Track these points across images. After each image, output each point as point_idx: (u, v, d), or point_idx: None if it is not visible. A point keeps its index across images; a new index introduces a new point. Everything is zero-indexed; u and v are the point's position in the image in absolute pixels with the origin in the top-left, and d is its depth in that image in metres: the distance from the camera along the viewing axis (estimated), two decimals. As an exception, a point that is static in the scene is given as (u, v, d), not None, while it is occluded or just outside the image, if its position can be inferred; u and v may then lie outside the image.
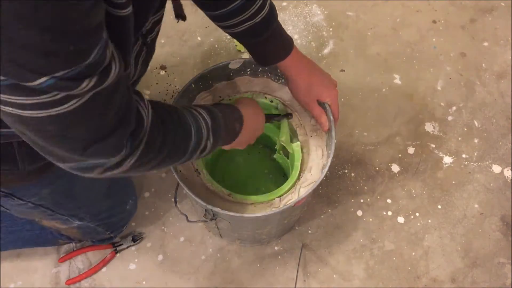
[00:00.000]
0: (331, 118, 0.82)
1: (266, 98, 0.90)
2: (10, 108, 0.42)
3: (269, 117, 0.87)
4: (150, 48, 0.68)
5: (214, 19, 0.77)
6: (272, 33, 0.77)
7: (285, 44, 0.80)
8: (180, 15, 0.73)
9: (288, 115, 0.90)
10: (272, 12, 0.76)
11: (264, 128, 0.84)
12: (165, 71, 1.32)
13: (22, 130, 0.46)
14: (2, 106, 0.42)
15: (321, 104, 0.83)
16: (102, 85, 0.44)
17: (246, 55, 1.34)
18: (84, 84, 0.42)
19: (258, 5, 0.73)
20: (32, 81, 0.38)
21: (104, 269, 1.07)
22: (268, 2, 0.76)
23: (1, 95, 0.40)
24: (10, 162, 0.67)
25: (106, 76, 0.44)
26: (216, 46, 1.36)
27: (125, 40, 0.50)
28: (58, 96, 0.42)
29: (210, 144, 0.67)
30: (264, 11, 0.74)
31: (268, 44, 0.78)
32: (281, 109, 0.91)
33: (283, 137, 0.88)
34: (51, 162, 0.53)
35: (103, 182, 0.93)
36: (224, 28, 0.77)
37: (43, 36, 0.36)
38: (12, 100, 0.41)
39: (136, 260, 1.08)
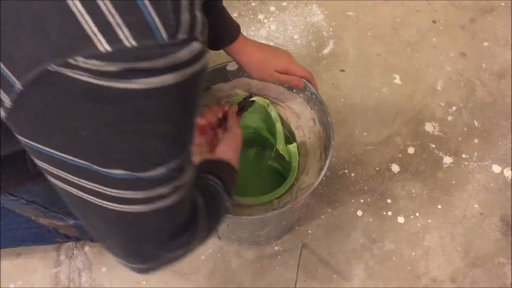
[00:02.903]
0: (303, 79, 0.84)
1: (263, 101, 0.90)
2: (109, 203, 0.41)
3: (241, 110, 0.88)
4: None
5: None
6: (220, 14, 0.76)
7: (233, 27, 0.79)
8: None
9: (249, 97, 0.89)
10: None
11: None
12: (165, 72, 1.31)
13: (97, 221, 0.45)
14: (101, 201, 0.41)
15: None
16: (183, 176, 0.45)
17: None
18: (185, 175, 0.44)
19: None
20: (149, 170, 0.39)
21: (104, 269, 1.08)
22: None
23: (113, 190, 0.40)
24: (20, 165, 0.68)
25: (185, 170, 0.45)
26: (216, 46, 1.36)
27: None
28: (167, 189, 0.42)
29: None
30: None
31: (217, 26, 0.76)
32: (265, 104, 0.90)
33: (280, 146, 0.87)
34: None
35: None
36: None
37: (173, 128, 0.39)
38: (121, 195, 0.40)
39: (136, 260, 1.08)
